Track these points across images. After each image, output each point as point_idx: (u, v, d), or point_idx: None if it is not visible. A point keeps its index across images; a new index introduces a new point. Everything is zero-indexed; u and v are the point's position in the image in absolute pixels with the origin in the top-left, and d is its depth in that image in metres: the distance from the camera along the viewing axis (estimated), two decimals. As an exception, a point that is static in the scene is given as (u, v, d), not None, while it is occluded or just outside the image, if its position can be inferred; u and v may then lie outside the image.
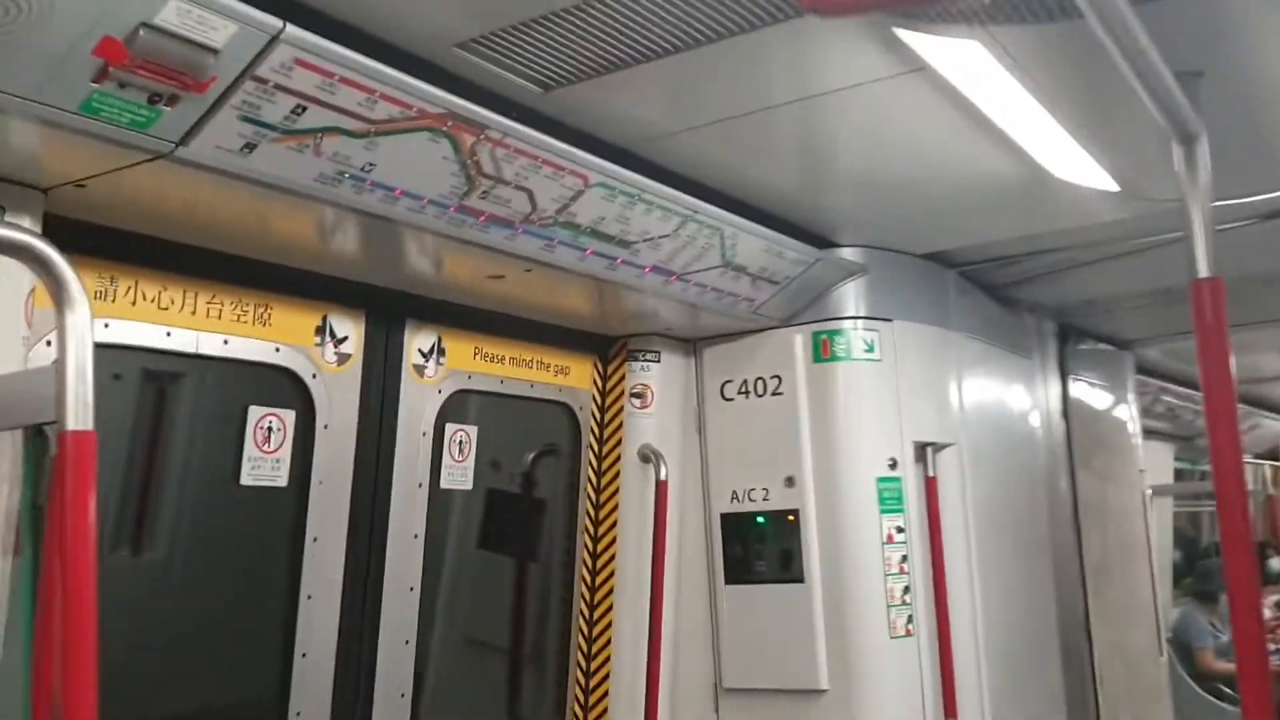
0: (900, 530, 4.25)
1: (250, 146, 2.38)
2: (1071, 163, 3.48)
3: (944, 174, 3.63)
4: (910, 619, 4.20)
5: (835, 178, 3.81)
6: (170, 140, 2.27)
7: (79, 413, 1.88)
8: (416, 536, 3.64)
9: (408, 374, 3.66)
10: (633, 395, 4.49)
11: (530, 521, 4.42)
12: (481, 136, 2.72)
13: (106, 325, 2.80)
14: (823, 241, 4.29)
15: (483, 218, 2.96)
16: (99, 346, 2.74)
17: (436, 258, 3.30)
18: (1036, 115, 3.07)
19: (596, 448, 4.47)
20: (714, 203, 3.55)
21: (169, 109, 2.20)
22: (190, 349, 3.01)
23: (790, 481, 4.30)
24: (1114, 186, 3.69)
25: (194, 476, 3.14)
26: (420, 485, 3.67)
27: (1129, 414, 6.84)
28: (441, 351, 3.79)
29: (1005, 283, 5.25)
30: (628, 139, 3.25)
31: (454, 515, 3.99)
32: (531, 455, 4.41)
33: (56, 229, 2.58)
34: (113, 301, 2.84)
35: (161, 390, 3.06)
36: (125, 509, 2.99)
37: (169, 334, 2.96)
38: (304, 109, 2.37)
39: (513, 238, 3.09)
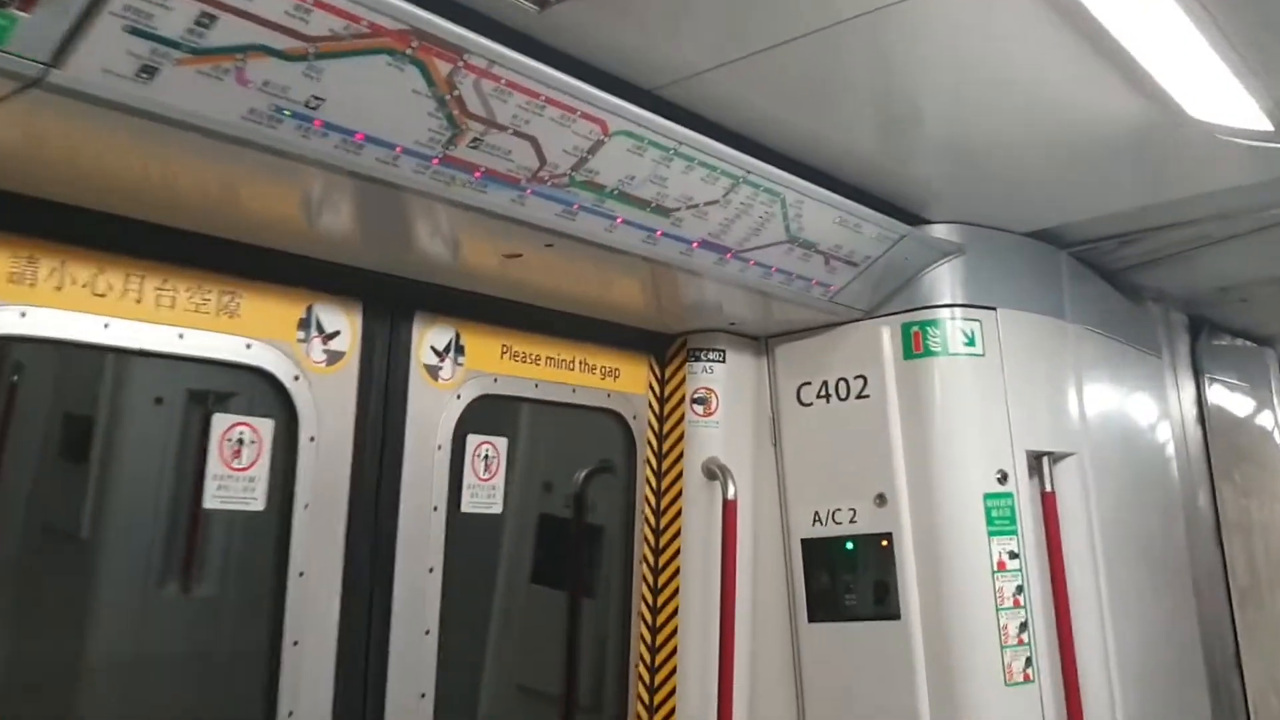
0: (1014, 556, 3.56)
1: (149, 70, 1.86)
2: (1214, 93, 2.79)
3: (1052, 120, 2.96)
4: (1029, 662, 3.49)
5: (918, 133, 3.15)
6: (38, 61, 1.76)
7: None
8: (432, 570, 3.09)
9: (418, 376, 3.12)
10: (695, 401, 3.89)
11: (577, 549, 3.84)
12: (460, 63, 2.16)
13: (24, 314, 2.32)
14: (909, 217, 3.64)
15: (477, 173, 2.41)
16: (12, 340, 2.34)
17: (445, 234, 2.75)
18: (1170, 20, 2.41)
19: (654, 462, 3.87)
20: (772, 164, 2.94)
21: (24, 14, 1.69)
22: (134, 344, 2.51)
23: (882, 500, 3.66)
24: (1266, 124, 2.98)
25: (143, 497, 2.63)
26: (436, 509, 3.12)
27: (1275, 420, 6.02)
28: (460, 349, 3.24)
29: (1125, 266, 4.52)
30: (654, 78, 2.66)
31: (481, 544, 3.43)
32: (576, 472, 3.84)
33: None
34: (31, 285, 2.35)
35: (98, 393, 2.56)
36: (60, 535, 2.50)
37: (106, 326, 2.47)
38: (212, 19, 1.84)
39: (520, 200, 2.53)
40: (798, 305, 3.57)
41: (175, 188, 2.36)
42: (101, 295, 2.46)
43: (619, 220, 2.75)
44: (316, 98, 2.06)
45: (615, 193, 2.67)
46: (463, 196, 2.43)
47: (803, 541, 3.82)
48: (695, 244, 2.99)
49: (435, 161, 2.32)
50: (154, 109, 1.92)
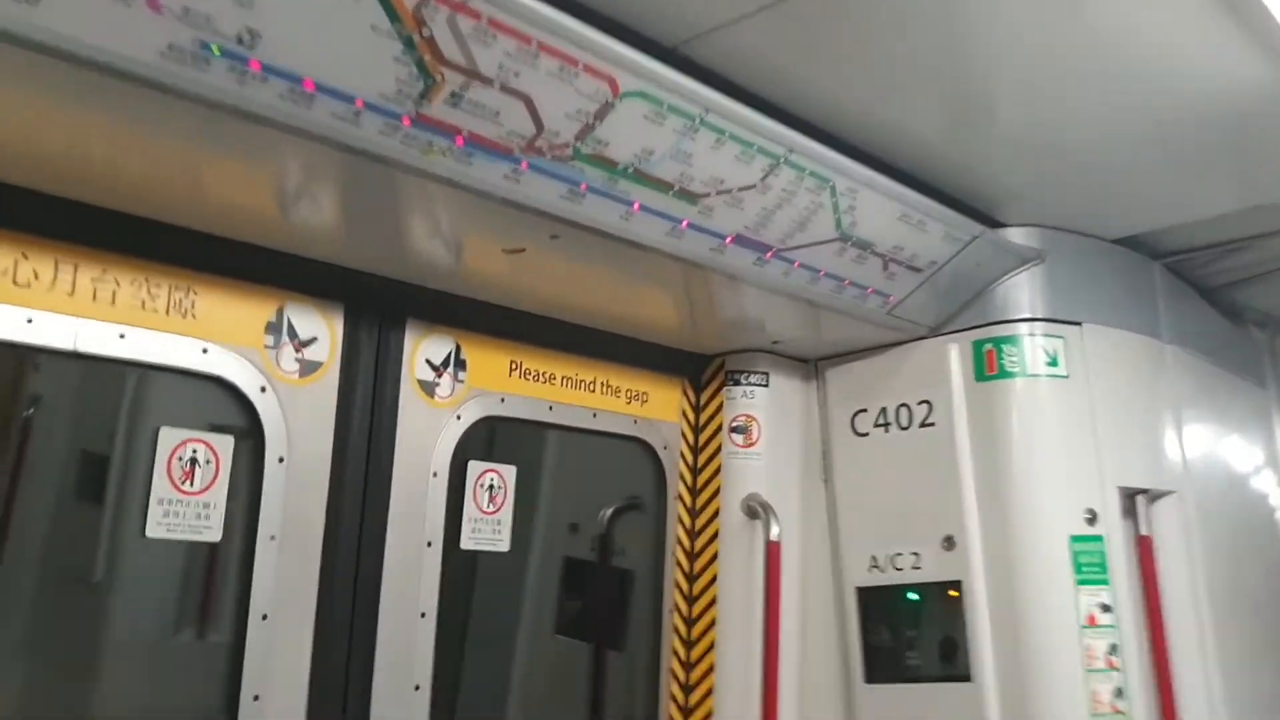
0: (1106, 609, 3.05)
1: (31, -15, 1.51)
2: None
3: (1151, 97, 2.50)
4: (1126, 735, 2.98)
5: (992, 114, 2.69)
6: (-117, -35, 1.42)
7: None
8: (425, 615, 2.68)
9: (410, 392, 2.73)
10: (734, 430, 3.46)
11: (595, 594, 3.41)
12: (430, -7, 1.79)
13: (-76, 305, 1.98)
14: (979, 218, 3.18)
15: (460, 139, 2.02)
16: None
17: (432, 222, 2.37)
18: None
19: (687, 498, 3.44)
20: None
21: None
22: (65, 344, 2.15)
23: (950, 543, 3.19)
24: None
25: (72, 524, 2.26)
26: (430, 545, 2.72)
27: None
28: (461, 364, 2.85)
29: (1224, 282, 4.00)
30: (674, 31, 2.22)
31: (483, 586, 3.01)
32: (596, 507, 3.42)
33: None
34: (-65, 271, 2.01)
35: (16, 400, 2.20)
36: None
37: (30, 320, 2.11)
38: (106, -83, 1.49)
39: (515, 176, 2.14)
40: (851, 319, 3.14)
41: (113, 160, 2.02)
42: (24, 285, 2.11)
43: (636, 206, 2.35)
44: (251, 31, 1.69)
45: (630, 171, 2.27)
46: (443, 168, 2.04)
47: (858, 590, 3.37)
48: (729, 239, 2.58)
49: (406, 121, 1.94)
50: (44, 38, 1.57)
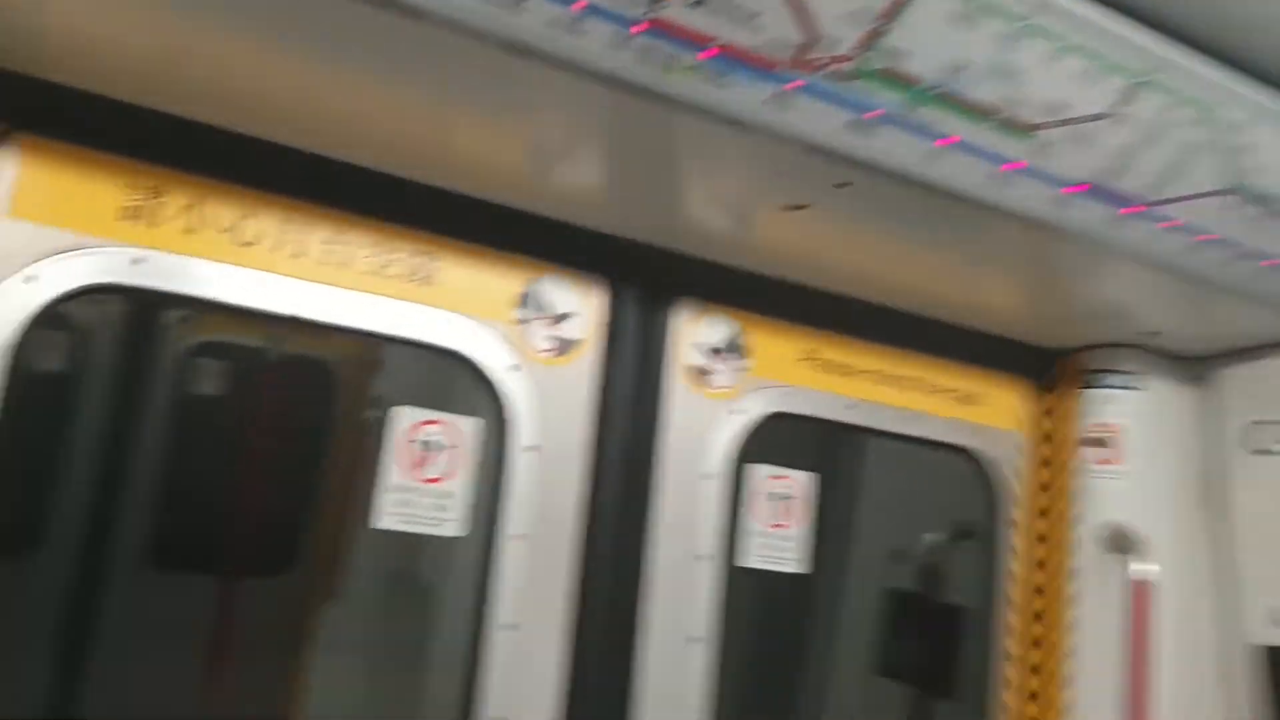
0: None
1: None
2: None
3: None
4: None
5: None
6: None
7: None
8: (696, 641, 2.29)
9: (680, 380, 2.37)
10: (1092, 443, 2.83)
11: (923, 633, 2.88)
12: None
13: (138, 261, 1.84)
14: None
15: (708, 50, 1.64)
16: (119, 290, 1.87)
17: (695, 171, 1.99)
18: None
19: (1029, 523, 2.84)
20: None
21: None
22: (286, 308, 1.97)
23: (1390, 598, 2.41)
24: None
25: (293, 509, 2.08)
26: (701, 559, 2.33)
27: None
28: (742, 350, 2.46)
29: None
30: None
31: (769, 612, 2.58)
32: (910, 527, 2.90)
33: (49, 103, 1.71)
34: (153, 225, 1.88)
35: (237, 370, 2.05)
36: (190, 549, 2.00)
37: (254, 282, 1.95)
38: None
39: (780, 101, 1.72)
40: (1248, 303, 2.43)
41: (341, 103, 1.81)
42: (248, 244, 1.96)
43: (944, 140, 1.86)
44: (435, -88, 1.41)
45: (934, 93, 1.79)
46: (689, 90, 1.66)
47: (1266, 651, 2.65)
48: (1074, 187, 2.02)
49: (638, 28, 1.58)
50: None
